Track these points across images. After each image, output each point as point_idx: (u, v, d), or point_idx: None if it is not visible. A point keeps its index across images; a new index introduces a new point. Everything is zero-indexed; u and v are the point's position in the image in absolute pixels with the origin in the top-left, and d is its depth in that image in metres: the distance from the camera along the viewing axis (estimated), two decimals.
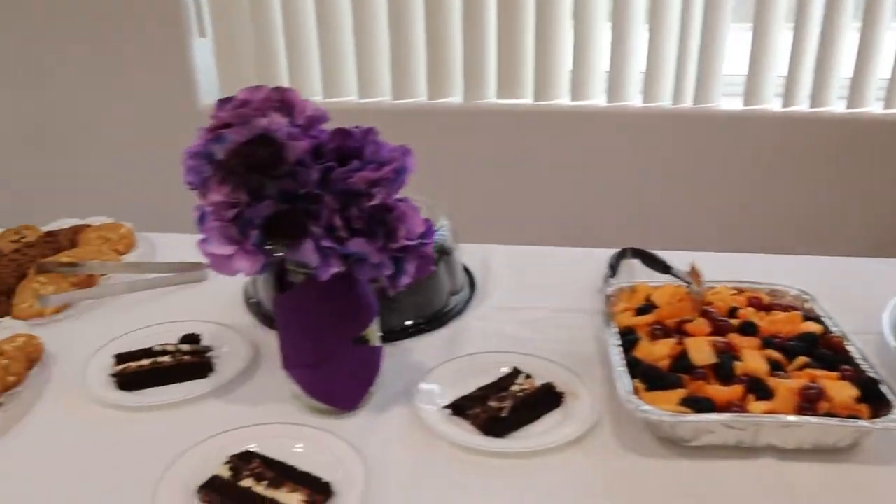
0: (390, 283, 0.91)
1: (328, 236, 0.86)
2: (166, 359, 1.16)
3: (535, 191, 2.75)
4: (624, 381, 1.01)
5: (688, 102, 2.54)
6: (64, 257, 1.46)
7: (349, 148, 0.89)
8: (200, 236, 0.91)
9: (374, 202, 0.87)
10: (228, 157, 0.86)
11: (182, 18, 2.69)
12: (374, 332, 1.03)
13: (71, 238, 1.59)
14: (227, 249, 0.87)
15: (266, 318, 1.30)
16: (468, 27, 2.57)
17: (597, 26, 2.52)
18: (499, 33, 2.57)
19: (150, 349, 1.18)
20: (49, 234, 1.60)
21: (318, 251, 0.86)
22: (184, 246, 1.55)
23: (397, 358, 1.17)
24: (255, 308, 1.34)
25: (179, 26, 2.70)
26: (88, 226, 1.64)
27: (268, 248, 0.90)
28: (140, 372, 1.14)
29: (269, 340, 1.23)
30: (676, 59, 2.50)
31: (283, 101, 0.89)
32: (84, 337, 1.26)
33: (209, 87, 2.82)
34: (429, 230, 0.92)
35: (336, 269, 0.87)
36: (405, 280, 0.91)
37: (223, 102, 0.90)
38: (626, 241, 1.48)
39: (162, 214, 1.89)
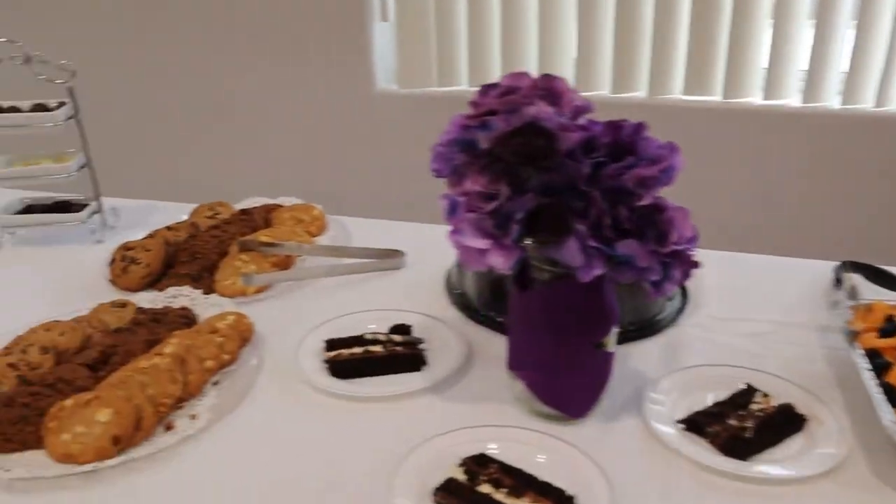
0: (655, 288, 0.84)
1: (594, 235, 0.81)
2: (378, 348, 1.14)
3: (717, 192, 2.63)
4: (886, 410, 0.92)
5: (893, 105, 2.37)
6: (262, 236, 1.46)
7: (620, 143, 0.83)
8: (449, 227, 0.86)
9: (643, 202, 0.81)
10: (494, 146, 0.81)
11: (365, 2, 2.70)
12: (612, 338, 0.97)
13: (265, 217, 1.59)
14: (482, 243, 0.82)
15: (471, 311, 1.26)
16: (659, 20, 2.47)
17: (797, 24, 2.38)
18: (691, 28, 2.46)
19: (361, 337, 1.16)
20: (243, 212, 1.60)
21: (583, 251, 0.81)
22: (375, 231, 1.55)
23: (617, 364, 1.10)
24: (459, 300, 1.30)
25: (362, 10, 2.71)
26: (280, 206, 1.64)
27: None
28: (353, 360, 1.12)
29: (477, 335, 1.20)
30: (885, 59, 2.33)
31: (549, 90, 0.84)
32: (286, 318, 1.25)
33: (387, 71, 2.81)
34: (695, 235, 0.85)
35: (599, 270, 0.81)
36: (670, 287, 0.84)
37: (487, 88, 0.85)
38: (822, 253, 1.40)
39: (341, 196, 1.88)
